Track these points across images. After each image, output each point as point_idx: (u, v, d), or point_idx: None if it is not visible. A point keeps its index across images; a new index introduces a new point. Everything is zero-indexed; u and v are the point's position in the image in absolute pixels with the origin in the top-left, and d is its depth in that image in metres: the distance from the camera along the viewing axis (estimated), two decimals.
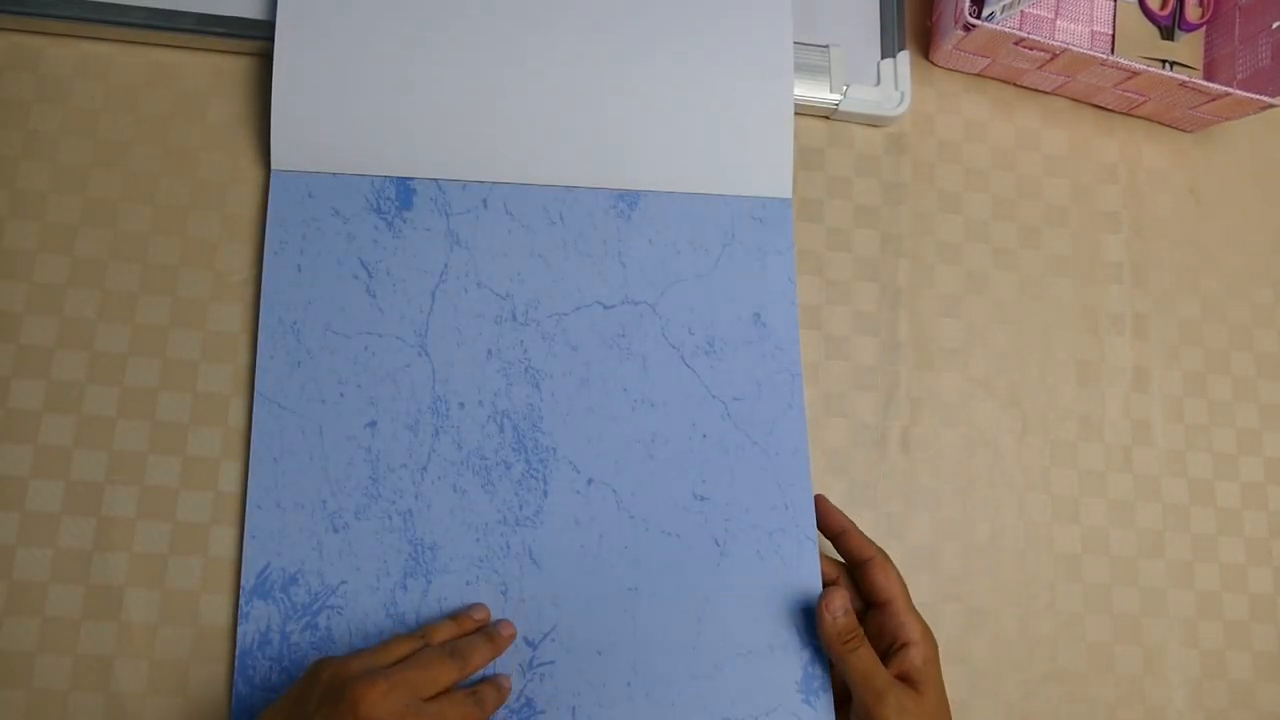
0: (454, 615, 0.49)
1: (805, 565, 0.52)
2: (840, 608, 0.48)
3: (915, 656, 0.47)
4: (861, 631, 0.48)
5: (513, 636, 0.49)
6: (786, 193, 0.56)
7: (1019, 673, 0.55)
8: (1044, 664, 0.55)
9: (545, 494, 0.52)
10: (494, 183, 0.55)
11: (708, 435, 0.53)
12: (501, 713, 0.48)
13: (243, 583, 0.49)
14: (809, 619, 0.51)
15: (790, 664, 0.51)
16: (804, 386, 0.55)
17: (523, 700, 0.49)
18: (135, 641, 0.48)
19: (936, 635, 0.48)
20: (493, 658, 0.47)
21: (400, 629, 0.49)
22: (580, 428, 0.53)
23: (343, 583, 0.49)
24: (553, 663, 0.50)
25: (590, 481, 0.52)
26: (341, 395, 0.51)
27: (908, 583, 0.49)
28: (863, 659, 0.47)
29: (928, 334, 0.58)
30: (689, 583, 0.51)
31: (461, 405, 0.52)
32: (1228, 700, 0.56)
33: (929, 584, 0.55)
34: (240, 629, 0.48)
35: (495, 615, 0.50)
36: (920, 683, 0.47)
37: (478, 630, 0.48)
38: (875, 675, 0.46)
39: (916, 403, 0.57)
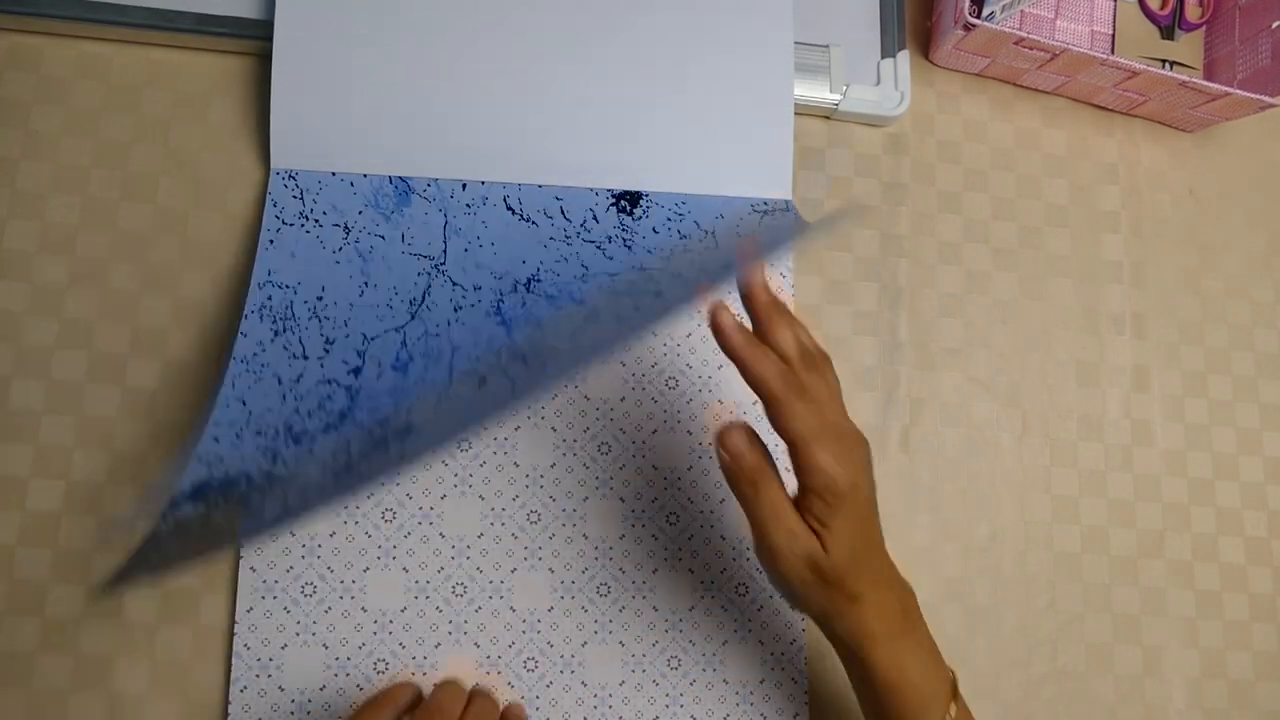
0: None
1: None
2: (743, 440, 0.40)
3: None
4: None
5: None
6: (787, 194, 0.56)
7: (1019, 673, 0.55)
8: (1044, 664, 0.55)
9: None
10: (493, 182, 0.54)
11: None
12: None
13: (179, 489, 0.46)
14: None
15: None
16: None
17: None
18: (135, 641, 0.49)
19: (936, 636, 0.46)
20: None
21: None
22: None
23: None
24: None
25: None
26: (326, 351, 0.50)
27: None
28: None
29: (928, 334, 0.58)
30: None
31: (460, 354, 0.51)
32: (1228, 700, 0.56)
33: (929, 584, 0.55)
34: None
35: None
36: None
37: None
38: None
39: (916, 403, 0.57)
